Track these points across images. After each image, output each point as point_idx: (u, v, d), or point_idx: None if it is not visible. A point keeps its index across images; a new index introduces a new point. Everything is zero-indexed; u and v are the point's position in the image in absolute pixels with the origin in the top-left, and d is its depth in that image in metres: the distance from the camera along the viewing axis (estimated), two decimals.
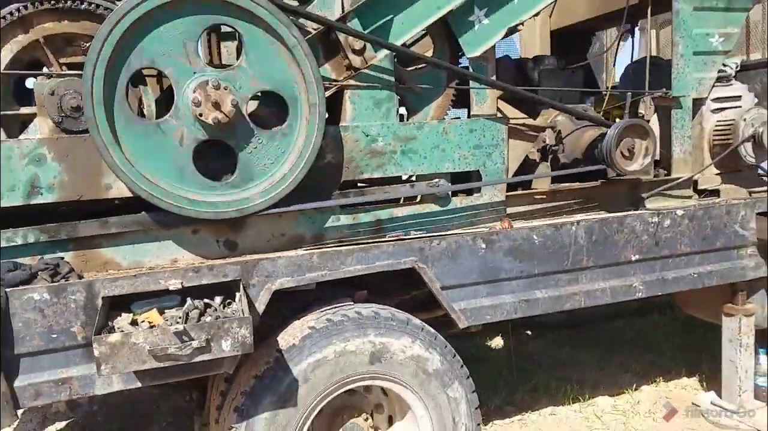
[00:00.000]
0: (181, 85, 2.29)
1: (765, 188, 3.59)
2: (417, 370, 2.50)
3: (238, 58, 2.51)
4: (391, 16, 2.69)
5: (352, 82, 2.65)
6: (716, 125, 3.45)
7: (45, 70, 2.62)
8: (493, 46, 2.94)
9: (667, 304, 4.73)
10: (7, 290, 2.07)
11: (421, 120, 2.87)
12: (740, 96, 3.53)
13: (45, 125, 2.39)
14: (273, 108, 2.57)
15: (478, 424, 2.67)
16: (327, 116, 2.56)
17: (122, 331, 1.96)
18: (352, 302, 2.58)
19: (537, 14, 3.20)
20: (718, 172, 3.54)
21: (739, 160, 3.41)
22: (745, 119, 3.36)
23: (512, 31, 3.09)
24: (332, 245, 2.62)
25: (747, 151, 3.39)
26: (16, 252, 2.29)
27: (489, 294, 2.71)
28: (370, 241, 2.64)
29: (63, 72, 2.48)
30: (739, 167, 3.51)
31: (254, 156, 2.43)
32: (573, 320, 5.02)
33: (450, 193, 2.90)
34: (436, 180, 2.84)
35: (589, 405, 3.68)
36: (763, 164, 3.85)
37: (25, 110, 2.60)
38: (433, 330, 2.59)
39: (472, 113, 2.96)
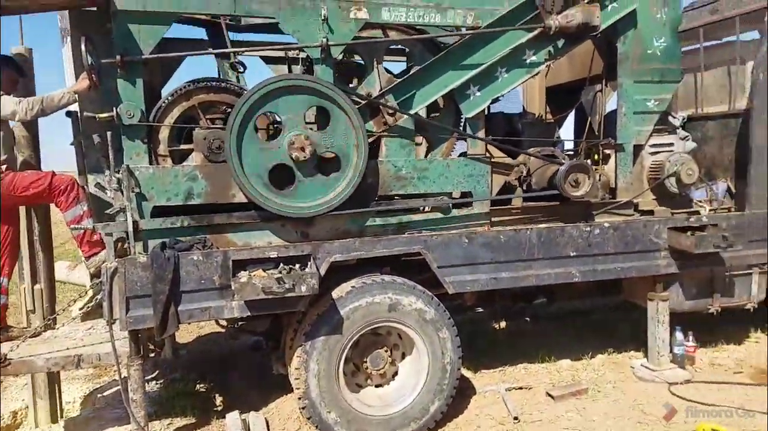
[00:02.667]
0: (287, 130, 3.74)
1: (687, 210, 4.85)
2: (419, 318, 3.90)
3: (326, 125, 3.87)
4: (414, 91, 4.11)
5: (386, 133, 4.11)
6: (651, 164, 4.74)
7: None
8: (483, 110, 4.34)
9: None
10: (179, 253, 3.60)
11: (435, 154, 4.30)
12: (672, 143, 4.82)
13: (198, 157, 3.91)
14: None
15: (459, 357, 4.04)
16: (369, 153, 3.97)
17: (246, 277, 3.45)
18: (379, 274, 4.01)
19: (519, 85, 4.56)
20: (655, 198, 4.83)
21: (666, 190, 4.69)
22: (669, 161, 4.63)
23: (496, 99, 4.47)
24: (369, 237, 4.06)
25: (672, 184, 4.65)
26: (176, 233, 3.79)
27: (469, 272, 4.09)
28: (393, 235, 4.08)
29: (210, 126, 3.97)
30: (671, 195, 4.78)
31: (308, 185, 3.81)
32: (560, 312, 6.30)
33: (451, 205, 4.30)
34: (441, 197, 4.26)
35: (554, 364, 4.93)
36: (695, 193, 5.13)
37: (184, 147, 4.11)
38: (429, 293, 3.97)
39: (468, 154, 4.37)
